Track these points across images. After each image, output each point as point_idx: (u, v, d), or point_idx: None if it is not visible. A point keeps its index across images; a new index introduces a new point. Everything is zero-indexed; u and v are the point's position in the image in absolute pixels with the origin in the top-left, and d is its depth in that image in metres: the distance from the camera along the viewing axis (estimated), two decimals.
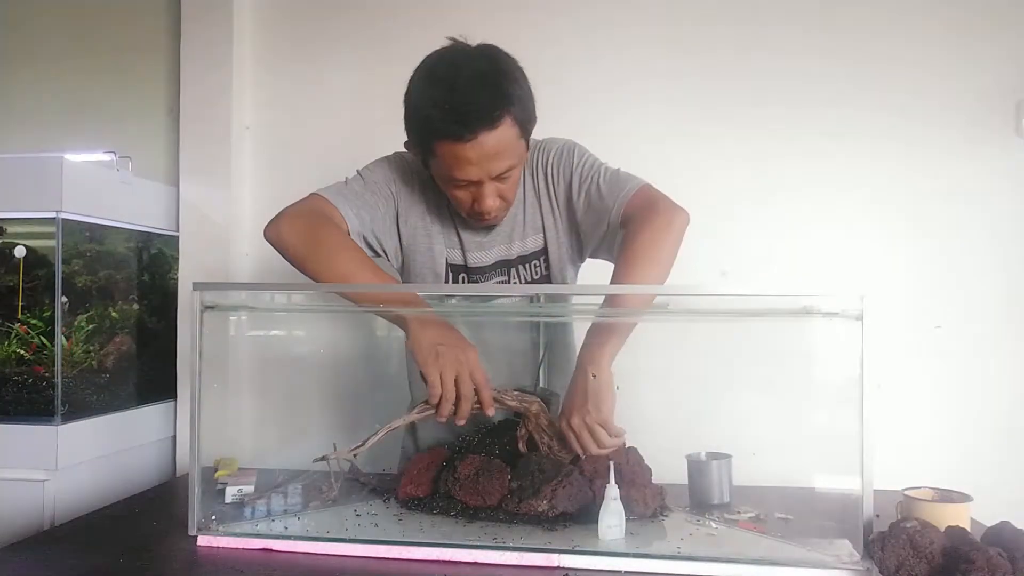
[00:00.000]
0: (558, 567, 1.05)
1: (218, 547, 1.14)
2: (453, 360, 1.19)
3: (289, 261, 1.29)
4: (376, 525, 1.19)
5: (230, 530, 1.17)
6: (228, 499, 1.35)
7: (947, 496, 1.16)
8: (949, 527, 1.02)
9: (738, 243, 1.90)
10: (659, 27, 1.96)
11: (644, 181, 1.33)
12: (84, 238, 1.78)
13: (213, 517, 1.20)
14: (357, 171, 1.42)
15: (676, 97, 1.95)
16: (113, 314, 1.87)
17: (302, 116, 2.10)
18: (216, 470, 1.48)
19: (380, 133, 2.05)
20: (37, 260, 1.72)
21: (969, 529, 1.04)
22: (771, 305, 1.18)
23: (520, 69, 1.30)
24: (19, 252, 1.69)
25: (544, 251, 1.43)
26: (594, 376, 1.18)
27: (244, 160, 2.09)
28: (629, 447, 1.26)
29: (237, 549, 1.13)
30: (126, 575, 1.06)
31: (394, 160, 1.45)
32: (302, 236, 1.28)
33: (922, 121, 1.88)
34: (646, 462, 1.25)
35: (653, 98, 1.95)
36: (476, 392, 1.20)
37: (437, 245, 1.42)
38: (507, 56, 1.29)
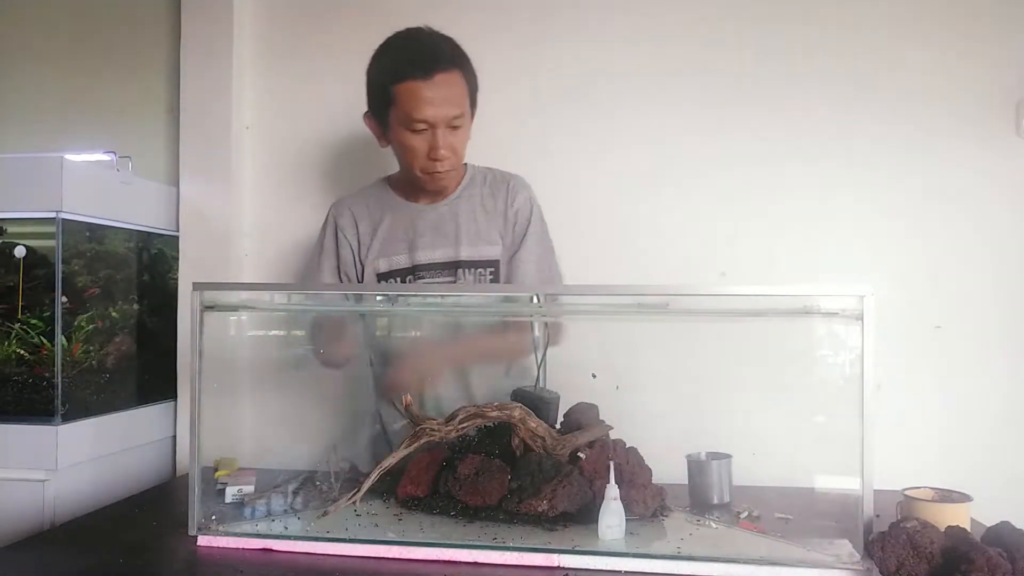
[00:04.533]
0: (558, 567, 1.05)
1: (218, 547, 1.14)
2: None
3: None
4: (376, 525, 1.19)
5: (230, 530, 1.17)
6: (228, 499, 1.35)
7: (947, 496, 1.16)
8: (949, 527, 1.02)
9: (737, 243, 1.90)
10: (657, 26, 1.96)
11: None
12: (84, 238, 1.78)
13: (213, 517, 1.20)
14: (319, 235, 1.66)
15: (674, 96, 1.94)
16: (113, 314, 1.87)
17: (302, 116, 2.10)
18: (216, 470, 1.48)
19: None
20: (37, 260, 1.71)
21: (969, 529, 1.04)
22: (771, 305, 1.18)
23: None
24: (19, 252, 1.69)
25: (496, 263, 1.55)
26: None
27: (244, 160, 2.09)
28: (629, 447, 1.26)
29: (237, 549, 1.14)
30: (126, 575, 1.06)
31: (333, 211, 1.66)
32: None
33: (922, 121, 1.88)
34: (646, 462, 1.25)
35: (651, 97, 1.95)
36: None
37: (381, 260, 1.59)
38: None
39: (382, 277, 1.58)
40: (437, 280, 1.55)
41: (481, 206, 1.58)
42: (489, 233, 1.56)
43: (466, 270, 1.54)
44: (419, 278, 1.56)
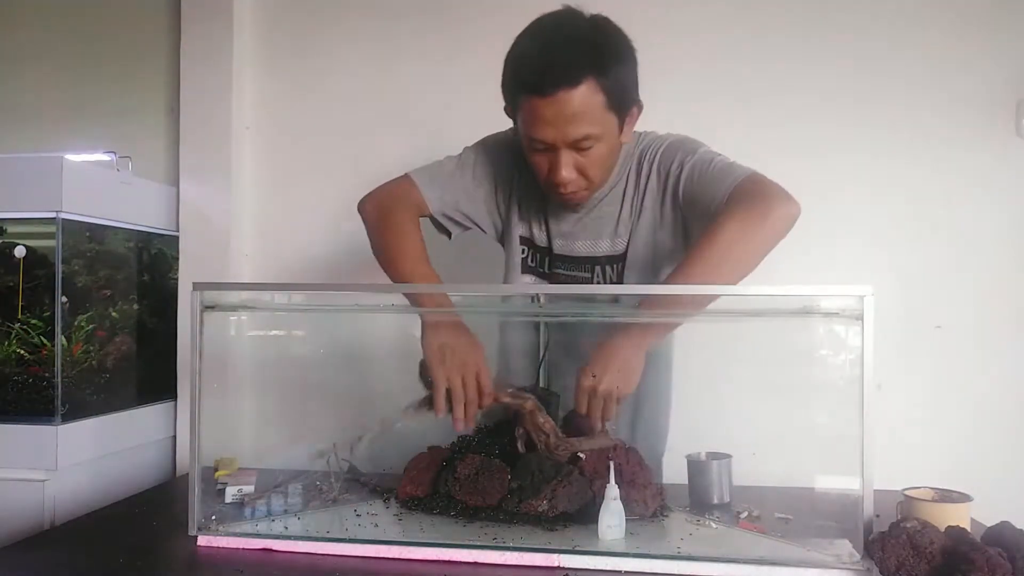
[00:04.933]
0: (558, 567, 1.05)
1: (218, 547, 1.14)
2: (459, 363, 1.21)
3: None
4: (376, 525, 1.19)
5: (230, 530, 1.17)
6: (228, 499, 1.34)
7: (947, 496, 1.15)
8: (949, 527, 1.02)
9: None
10: (656, 21, 1.96)
11: (753, 170, 1.27)
12: (84, 238, 1.78)
13: (213, 517, 1.20)
14: (462, 152, 1.45)
15: (672, 94, 1.94)
16: (113, 314, 1.87)
17: (302, 116, 2.10)
18: (216, 470, 1.48)
19: (380, 132, 2.07)
20: (37, 260, 1.72)
21: (969, 529, 1.04)
22: (771, 305, 1.18)
23: (628, 46, 1.26)
24: (19, 252, 1.69)
25: (624, 255, 1.40)
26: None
27: (244, 160, 2.09)
28: (629, 447, 1.26)
29: (237, 549, 1.13)
30: (126, 575, 1.06)
31: (497, 139, 1.46)
32: (375, 216, 1.39)
33: (922, 121, 1.88)
34: (646, 462, 1.25)
35: (650, 94, 1.95)
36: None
37: (524, 225, 1.45)
38: (617, 29, 1.26)
39: (523, 241, 1.45)
40: (572, 273, 1.43)
41: (623, 200, 1.39)
42: (626, 223, 1.39)
43: (605, 266, 1.41)
44: (554, 266, 1.44)
